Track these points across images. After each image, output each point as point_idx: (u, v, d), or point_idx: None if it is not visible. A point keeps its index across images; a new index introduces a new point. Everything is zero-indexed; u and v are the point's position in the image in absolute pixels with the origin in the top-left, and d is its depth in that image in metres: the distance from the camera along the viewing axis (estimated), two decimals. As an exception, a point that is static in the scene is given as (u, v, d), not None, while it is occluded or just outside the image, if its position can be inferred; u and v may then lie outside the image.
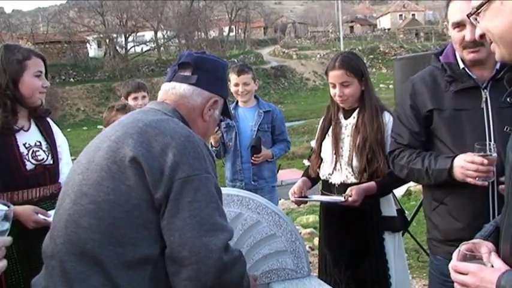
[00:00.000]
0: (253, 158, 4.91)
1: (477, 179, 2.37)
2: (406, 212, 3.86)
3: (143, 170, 1.76)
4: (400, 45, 61.05)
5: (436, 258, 2.82)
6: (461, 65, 2.65)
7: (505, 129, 2.42)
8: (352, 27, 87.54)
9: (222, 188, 1.95)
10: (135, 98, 5.17)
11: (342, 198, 3.23)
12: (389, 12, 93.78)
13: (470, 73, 2.62)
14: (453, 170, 2.47)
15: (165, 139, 1.81)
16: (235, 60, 55.15)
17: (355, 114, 3.45)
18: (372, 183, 3.26)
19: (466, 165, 2.39)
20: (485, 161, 2.32)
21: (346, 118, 3.50)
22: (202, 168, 1.80)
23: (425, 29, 71.75)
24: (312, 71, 55.25)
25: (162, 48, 57.76)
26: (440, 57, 2.78)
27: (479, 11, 1.59)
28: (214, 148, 4.96)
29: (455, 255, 1.65)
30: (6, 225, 1.64)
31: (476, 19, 1.63)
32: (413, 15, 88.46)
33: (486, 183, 2.38)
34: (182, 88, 2.11)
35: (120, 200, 1.77)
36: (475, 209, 2.58)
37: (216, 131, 4.85)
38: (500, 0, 1.54)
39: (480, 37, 1.64)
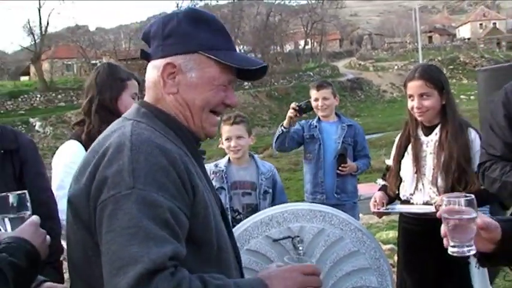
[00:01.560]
0: (340, 167, 4.91)
1: None
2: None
3: (76, 209, 1.52)
4: (481, 55, 59.16)
5: None
6: None
7: None
8: (430, 37, 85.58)
9: (304, 204, 1.85)
10: None
11: (431, 208, 3.05)
12: (469, 22, 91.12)
13: None
14: None
15: (96, 160, 1.49)
16: (311, 73, 55.26)
17: (437, 130, 3.29)
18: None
19: None
20: None
21: (426, 135, 3.34)
22: (122, 184, 1.39)
23: (507, 38, 69.24)
24: (389, 83, 54.36)
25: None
26: None
27: None
28: (284, 129, 4.94)
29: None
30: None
31: None
32: (494, 24, 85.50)
33: None
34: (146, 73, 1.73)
35: (86, 257, 1.51)
36: None
37: (295, 115, 4.83)
38: None
39: None
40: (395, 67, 59.31)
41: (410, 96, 3.29)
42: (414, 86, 3.26)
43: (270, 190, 3.91)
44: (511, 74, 5.39)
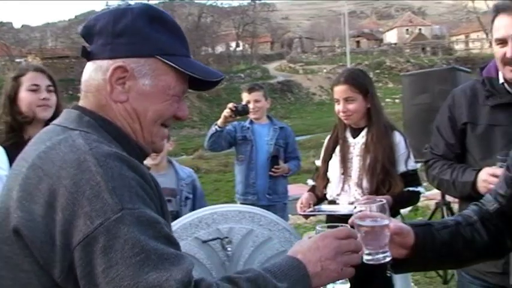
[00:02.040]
0: (273, 169, 4.98)
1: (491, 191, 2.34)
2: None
3: (27, 244, 1.22)
4: (407, 60, 61.02)
5: (462, 276, 2.81)
6: (501, 80, 2.64)
7: None
8: (358, 41, 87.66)
9: (233, 205, 1.78)
10: None
11: (355, 208, 3.13)
12: (395, 27, 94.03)
13: (509, 89, 2.61)
14: (477, 184, 2.48)
15: (49, 184, 1.22)
16: (242, 75, 55.42)
17: (363, 133, 3.41)
18: (387, 197, 3.13)
19: (488, 178, 2.39)
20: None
21: (354, 137, 3.45)
22: (106, 208, 1.17)
23: (431, 44, 71.82)
24: (318, 86, 55.22)
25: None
26: (483, 72, 2.78)
27: None
28: (218, 128, 4.97)
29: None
30: None
31: None
32: (419, 29, 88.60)
33: None
34: (83, 73, 1.49)
35: None
36: None
37: (231, 116, 4.90)
38: None
39: None
40: (325, 70, 60.32)
41: (337, 100, 3.39)
42: (339, 90, 3.36)
43: (191, 196, 3.87)
44: (433, 78, 5.64)
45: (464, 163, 2.72)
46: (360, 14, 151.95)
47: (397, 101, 37.19)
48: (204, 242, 2.53)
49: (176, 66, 1.44)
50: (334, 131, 3.57)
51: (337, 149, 3.49)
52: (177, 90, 1.48)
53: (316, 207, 3.44)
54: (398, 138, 3.36)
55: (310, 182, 3.75)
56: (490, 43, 2.74)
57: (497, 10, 2.55)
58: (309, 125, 35.24)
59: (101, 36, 1.43)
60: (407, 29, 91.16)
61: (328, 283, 1.44)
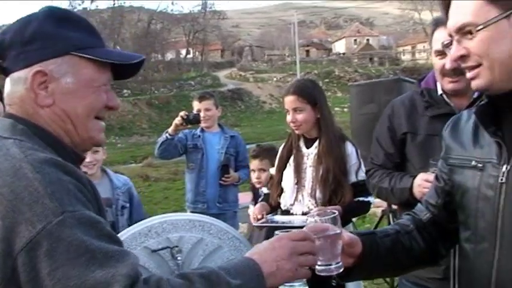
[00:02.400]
0: (223, 178, 4.98)
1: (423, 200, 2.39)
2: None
3: None
4: (355, 70, 62.10)
5: (402, 283, 2.87)
6: (440, 91, 2.73)
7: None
8: (308, 51, 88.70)
9: (183, 214, 1.79)
10: None
11: (310, 219, 3.15)
12: (344, 37, 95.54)
13: (448, 100, 2.70)
14: (413, 189, 2.54)
15: None
16: (192, 82, 55.22)
17: (316, 143, 3.43)
18: (338, 207, 3.18)
19: (422, 183, 2.45)
20: None
21: (307, 147, 3.47)
22: (47, 212, 1.17)
23: (379, 54, 73.36)
24: (269, 94, 55.52)
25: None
26: (422, 83, 2.87)
27: (481, 28, 1.46)
28: (168, 136, 4.96)
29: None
30: None
31: (465, 35, 1.51)
32: (367, 40, 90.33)
33: None
34: (5, 88, 1.48)
35: None
36: None
37: (182, 124, 4.89)
38: (508, 21, 1.44)
39: (460, 57, 1.55)
40: (275, 79, 60.76)
41: (287, 110, 3.42)
42: (288, 101, 3.40)
43: (127, 205, 3.80)
44: (379, 89, 5.77)
45: (405, 172, 2.79)
46: (310, 23, 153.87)
47: (345, 110, 37.74)
48: (154, 251, 2.52)
49: (93, 57, 1.45)
50: (289, 140, 3.58)
51: (291, 158, 3.50)
52: (101, 80, 1.48)
53: (269, 217, 3.44)
54: (350, 148, 3.41)
55: (264, 191, 3.77)
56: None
57: (437, 23, 2.66)
58: (259, 133, 35.32)
59: (12, 48, 1.42)
60: (355, 39, 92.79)
61: (284, 282, 1.46)
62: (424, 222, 1.83)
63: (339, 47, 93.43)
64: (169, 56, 67.78)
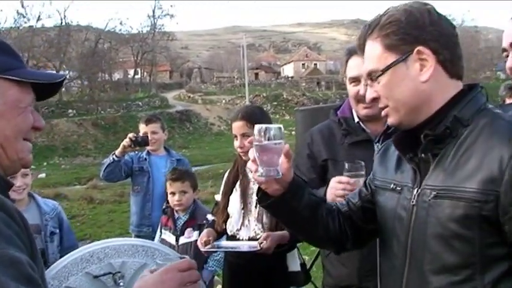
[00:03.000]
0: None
1: (346, 197, 2.38)
2: (306, 257, 3.95)
3: None
4: (303, 93, 62.93)
5: None
6: (356, 119, 2.85)
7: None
8: (257, 74, 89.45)
9: (126, 239, 1.78)
10: None
11: (255, 244, 3.14)
12: (292, 61, 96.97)
13: (364, 127, 2.82)
14: (327, 194, 2.56)
15: None
16: (140, 103, 54.70)
17: None
18: (285, 232, 3.21)
19: (335, 185, 2.49)
20: (352, 180, 2.43)
21: None
22: None
23: (326, 79, 74.60)
24: (217, 116, 55.61)
25: (63, 89, 56.25)
26: (338, 112, 2.96)
27: (381, 74, 1.64)
28: (115, 157, 4.91)
29: None
30: None
31: (373, 81, 1.68)
32: (315, 64, 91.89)
33: None
34: None
35: None
36: (362, 253, 2.68)
37: (130, 146, 4.85)
38: (405, 63, 1.60)
39: (372, 100, 1.71)
40: (223, 101, 60.96)
41: (235, 135, 3.43)
42: (237, 126, 3.41)
43: (57, 230, 3.72)
44: (324, 114, 5.84)
45: None
46: (258, 46, 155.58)
47: (293, 133, 38.13)
48: (96, 277, 2.49)
49: (17, 78, 1.43)
50: (235, 165, 3.58)
51: (238, 183, 3.50)
52: (26, 101, 1.46)
53: (215, 243, 3.41)
54: None
55: (210, 217, 3.75)
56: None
57: (350, 52, 2.80)
58: (207, 155, 35.25)
59: None
60: (303, 63, 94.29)
61: None
62: (342, 212, 1.99)
63: (288, 70, 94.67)
64: (117, 76, 67.03)
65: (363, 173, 2.45)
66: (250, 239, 3.32)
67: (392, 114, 1.67)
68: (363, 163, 2.48)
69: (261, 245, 3.11)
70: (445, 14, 1.68)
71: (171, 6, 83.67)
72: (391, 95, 1.64)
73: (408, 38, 1.59)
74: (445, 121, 1.59)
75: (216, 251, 3.64)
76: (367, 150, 2.72)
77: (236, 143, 3.42)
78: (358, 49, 1.76)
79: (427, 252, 1.58)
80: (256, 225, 3.34)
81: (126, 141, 4.89)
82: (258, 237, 3.27)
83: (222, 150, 35.99)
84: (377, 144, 2.78)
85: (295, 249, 3.48)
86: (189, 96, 63.62)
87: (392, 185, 1.77)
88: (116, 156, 4.94)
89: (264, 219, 3.32)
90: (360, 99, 2.72)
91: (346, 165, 2.48)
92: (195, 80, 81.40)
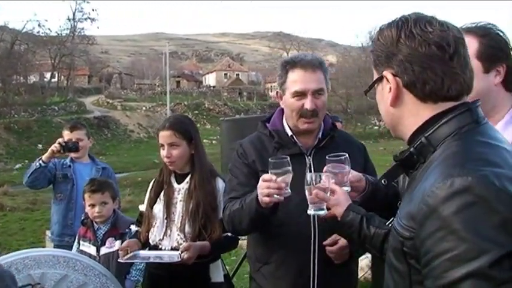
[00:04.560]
0: None
1: (274, 196, 2.38)
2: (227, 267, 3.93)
3: None
4: (224, 103, 63.18)
5: None
6: (289, 133, 2.84)
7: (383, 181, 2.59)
8: (178, 82, 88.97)
9: (47, 249, 1.75)
10: None
11: (176, 253, 3.12)
12: (215, 71, 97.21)
13: (296, 140, 2.82)
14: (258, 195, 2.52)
15: None
16: (56, 107, 53.05)
17: (188, 178, 3.44)
18: (206, 243, 3.23)
19: (260, 184, 2.45)
20: (274, 177, 2.37)
21: (179, 182, 3.47)
22: None
23: (248, 89, 75.26)
24: (137, 123, 54.69)
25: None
26: (268, 124, 2.94)
27: (368, 90, 1.69)
28: (42, 163, 4.74)
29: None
30: None
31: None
32: (237, 75, 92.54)
33: (282, 198, 2.39)
34: None
35: None
36: (298, 267, 2.70)
37: (60, 151, 4.70)
38: (381, 84, 1.60)
39: None
40: (144, 108, 60.16)
41: (162, 145, 3.40)
42: (164, 136, 3.38)
43: None
44: (250, 124, 5.87)
45: None
46: (181, 55, 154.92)
47: (214, 142, 38.19)
48: (13, 289, 2.37)
49: None
50: (160, 175, 3.55)
51: (162, 193, 3.47)
52: None
53: (136, 253, 3.34)
54: (221, 184, 3.43)
55: (134, 228, 3.68)
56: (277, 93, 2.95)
57: (292, 65, 2.77)
58: (125, 162, 34.62)
59: None
60: (226, 73, 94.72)
61: None
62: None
63: (210, 79, 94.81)
64: (33, 79, 64.64)
65: (289, 168, 2.40)
66: (172, 249, 3.29)
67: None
68: (288, 158, 2.42)
69: (182, 255, 3.08)
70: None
71: (93, 10, 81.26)
72: (380, 110, 1.66)
73: (380, 60, 1.58)
74: (413, 144, 1.55)
75: (136, 261, 3.56)
76: (299, 163, 2.71)
77: (163, 153, 3.39)
78: None
79: (385, 278, 1.57)
80: (178, 234, 3.33)
81: (55, 146, 4.74)
82: (180, 247, 3.23)
83: (140, 158, 35.50)
84: (309, 157, 2.80)
85: (219, 260, 3.47)
86: (108, 102, 62.35)
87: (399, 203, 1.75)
88: (43, 161, 4.78)
89: (187, 228, 3.31)
90: (303, 113, 2.72)
91: (271, 162, 2.41)
92: (115, 85, 79.89)
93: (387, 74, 1.54)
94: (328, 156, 2.28)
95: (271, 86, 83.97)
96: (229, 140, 6.02)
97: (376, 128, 52.28)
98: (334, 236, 2.66)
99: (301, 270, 2.70)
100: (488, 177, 1.25)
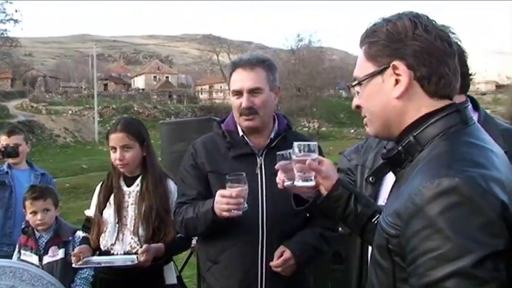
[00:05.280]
0: None
1: (232, 211, 2.49)
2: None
3: None
4: (154, 106, 62.38)
5: None
6: (241, 133, 2.88)
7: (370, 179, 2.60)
8: (106, 84, 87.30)
9: None
10: None
11: (131, 257, 3.10)
12: (144, 73, 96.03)
13: (248, 140, 2.86)
14: (214, 207, 2.58)
15: None
16: (-26, 112, 50.88)
17: (138, 181, 3.41)
18: (161, 245, 3.23)
19: (218, 199, 2.53)
20: (234, 193, 2.46)
21: (128, 186, 3.43)
22: None
23: (178, 92, 74.68)
24: (63, 128, 53.15)
25: None
26: (222, 125, 2.97)
27: (359, 83, 1.61)
28: None
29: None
30: None
31: (357, 89, 1.64)
32: (167, 77, 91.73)
33: (240, 213, 2.50)
34: None
35: None
36: (246, 267, 2.73)
37: None
38: (382, 76, 1.55)
39: (356, 107, 1.68)
40: (70, 112, 58.52)
41: (113, 148, 3.34)
42: (116, 138, 3.33)
43: None
44: (190, 127, 5.86)
45: None
46: (108, 57, 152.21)
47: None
48: (-43, 303, 2.26)
49: None
50: (109, 179, 3.50)
51: (112, 197, 3.42)
52: None
53: (89, 258, 3.27)
54: (172, 186, 3.42)
55: (81, 234, 3.59)
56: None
57: (235, 66, 2.85)
58: (52, 168, 33.28)
59: None
60: (155, 76, 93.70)
61: None
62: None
63: (139, 82, 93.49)
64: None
65: (246, 185, 2.49)
66: (125, 254, 3.25)
67: (369, 125, 1.64)
68: (244, 174, 2.51)
69: (140, 258, 3.06)
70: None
71: (16, 11, 78.46)
72: (367, 106, 1.61)
73: (386, 51, 1.54)
74: (401, 143, 1.55)
75: (89, 267, 3.48)
76: (250, 163, 2.78)
77: (114, 155, 3.35)
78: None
79: (369, 274, 1.58)
80: (132, 238, 3.29)
81: None
82: (134, 251, 3.22)
83: (68, 164, 34.56)
84: (260, 157, 2.84)
85: (172, 262, 3.46)
86: (33, 106, 60.26)
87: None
88: None
89: (140, 231, 3.29)
90: (241, 111, 2.78)
91: (228, 178, 2.50)
92: (39, 89, 77.27)
93: (400, 64, 1.51)
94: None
95: (201, 89, 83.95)
96: (169, 143, 5.98)
97: (305, 129, 53.09)
98: (280, 249, 2.71)
99: (249, 269, 2.74)
100: (475, 178, 1.28)
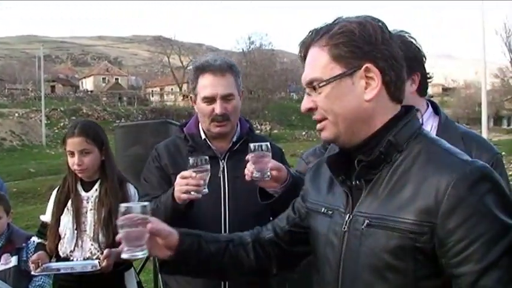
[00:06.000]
0: None
1: (191, 193, 2.44)
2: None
3: None
4: (104, 108, 61.39)
5: None
6: (203, 136, 2.87)
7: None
8: (53, 86, 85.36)
9: None
10: None
11: (92, 262, 3.03)
12: (92, 75, 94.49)
13: (210, 144, 2.85)
14: (174, 192, 2.54)
15: None
16: None
17: (97, 186, 3.33)
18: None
19: (179, 181, 2.49)
20: (194, 174, 2.43)
21: (86, 191, 3.34)
22: None
23: (128, 94, 73.77)
24: (9, 131, 51.70)
25: None
26: (184, 129, 2.95)
27: (325, 84, 1.54)
28: None
29: None
30: None
31: (313, 90, 1.59)
32: (116, 79, 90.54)
33: (199, 195, 2.46)
34: None
35: None
36: None
37: None
38: (351, 78, 1.52)
39: (308, 110, 1.62)
40: (16, 114, 56.95)
41: (71, 152, 3.24)
42: (74, 143, 3.23)
43: None
44: (146, 130, 5.79)
45: None
46: (55, 58, 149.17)
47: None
48: None
49: None
50: (65, 184, 3.39)
51: (69, 203, 3.32)
52: None
53: (48, 265, 3.17)
54: (132, 190, 3.37)
55: (36, 240, 3.48)
56: (183, 96, 3.04)
57: (203, 70, 2.80)
58: (-2, 172, 32.66)
59: None
60: (104, 78, 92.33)
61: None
62: (264, 239, 1.93)
63: (87, 84, 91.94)
64: None
65: (208, 167, 2.47)
66: (85, 260, 3.17)
67: (330, 128, 1.58)
68: (207, 157, 2.49)
69: (102, 264, 2.99)
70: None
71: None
72: (331, 108, 1.55)
73: (358, 52, 1.52)
74: (379, 146, 1.54)
75: (48, 274, 3.39)
76: (213, 167, 2.73)
77: (72, 160, 3.25)
78: (300, 54, 1.66)
79: (359, 282, 1.53)
80: (92, 244, 3.22)
81: None
82: (94, 257, 3.15)
83: (15, 168, 33.61)
84: (222, 161, 2.83)
85: (132, 268, 3.40)
86: (-24, 109, 58.52)
87: (323, 209, 1.71)
88: None
89: (100, 237, 3.21)
90: (215, 118, 2.76)
91: (190, 161, 2.46)
92: (-16, 91, 75.13)
93: (372, 67, 1.52)
94: (252, 145, 2.38)
95: (152, 91, 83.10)
96: (125, 146, 5.89)
97: (257, 131, 53.19)
98: None
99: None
100: (487, 166, 1.44)
